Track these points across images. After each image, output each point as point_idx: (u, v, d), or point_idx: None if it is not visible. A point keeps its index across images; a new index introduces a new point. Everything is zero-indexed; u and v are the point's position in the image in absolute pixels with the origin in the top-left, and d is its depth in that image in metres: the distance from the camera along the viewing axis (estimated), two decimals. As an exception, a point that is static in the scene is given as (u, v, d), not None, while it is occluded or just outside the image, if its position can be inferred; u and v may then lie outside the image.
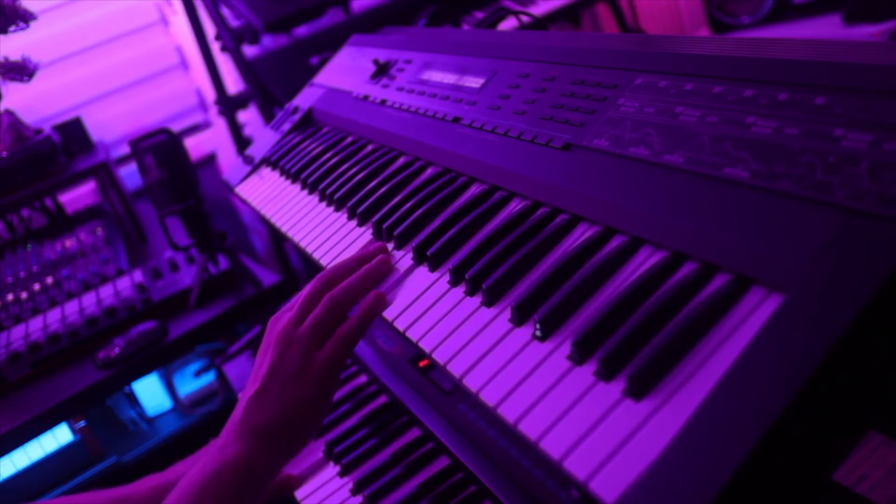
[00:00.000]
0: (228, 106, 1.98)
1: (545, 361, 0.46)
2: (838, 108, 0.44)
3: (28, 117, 1.74)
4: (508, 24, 1.19)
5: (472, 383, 0.49)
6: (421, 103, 0.82)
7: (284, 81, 1.69)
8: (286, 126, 1.05)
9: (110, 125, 2.12)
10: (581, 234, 0.54)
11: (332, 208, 0.80)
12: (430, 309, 0.57)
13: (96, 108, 2.11)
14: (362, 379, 0.97)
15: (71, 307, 1.42)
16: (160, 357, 1.31)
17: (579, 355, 0.45)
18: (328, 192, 0.82)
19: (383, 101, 0.89)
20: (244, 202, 1.00)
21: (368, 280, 0.64)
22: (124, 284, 1.45)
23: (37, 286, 1.52)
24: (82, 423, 1.34)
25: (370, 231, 0.71)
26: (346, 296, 0.63)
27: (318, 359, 0.61)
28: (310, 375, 0.61)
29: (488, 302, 0.53)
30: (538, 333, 0.48)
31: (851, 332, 0.34)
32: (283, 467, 0.63)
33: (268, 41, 2.02)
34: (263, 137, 1.09)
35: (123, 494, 0.83)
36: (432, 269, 0.61)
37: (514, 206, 0.62)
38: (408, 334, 0.57)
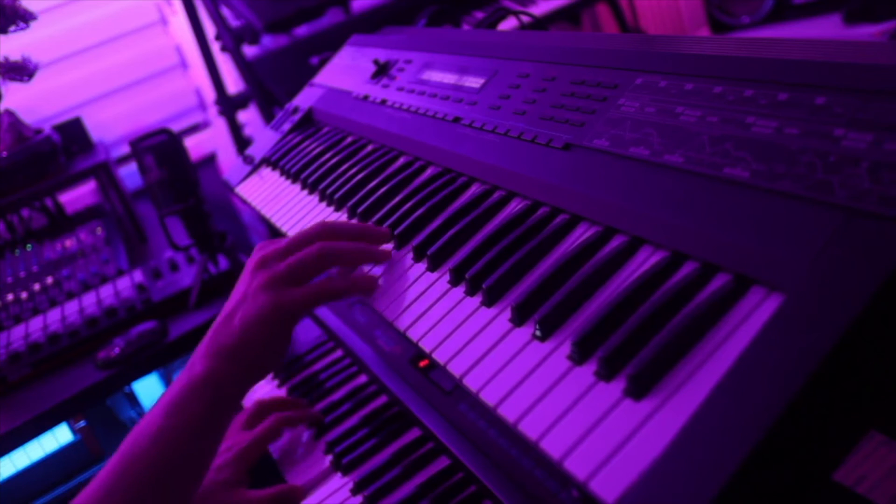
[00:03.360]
0: (228, 106, 1.98)
1: (545, 361, 0.46)
2: (838, 108, 0.44)
3: (28, 117, 1.73)
4: (508, 24, 1.19)
5: (472, 383, 0.49)
6: (421, 103, 0.82)
7: (284, 81, 1.69)
8: (286, 126, 1.05)
9: (110, 125, 2.11)
10: (581, 234, 0.54)
11: (332, 208, 0.80)
12: (430, 309, 0.57)
13: (96, 108, 2.11)
14: (362, 379, 0.97)
15: (71, 307, 1.42)
16: (160, 357, 1.31)
17: (579, 355, 0.45)
18: (328, 191, 0.82)
19: (383, 101, 0.89)
20: (244, 202, 1.00)
21: (364, 256, 0.65)
22: (124, 284, 1.45)
23: (37, 286, 1.52)
24: (82, 423, 1.34)
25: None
26: (337, 254, 0.64)
27: (287, 295, 0.62)
28: (271, 304, 0.62)
29: (488, 302, 0.53)
30: (538, 333, 0.48)
31: (851, 332, 0.34)
32: (250, 389, 0.66)
33: (268, 41, 2.02)
34: (263, 137, 1.09)
35: None
36: (432, 268, 0.61)
37: (514, 206, 0.62)
38: (408, 334, 0.57)
